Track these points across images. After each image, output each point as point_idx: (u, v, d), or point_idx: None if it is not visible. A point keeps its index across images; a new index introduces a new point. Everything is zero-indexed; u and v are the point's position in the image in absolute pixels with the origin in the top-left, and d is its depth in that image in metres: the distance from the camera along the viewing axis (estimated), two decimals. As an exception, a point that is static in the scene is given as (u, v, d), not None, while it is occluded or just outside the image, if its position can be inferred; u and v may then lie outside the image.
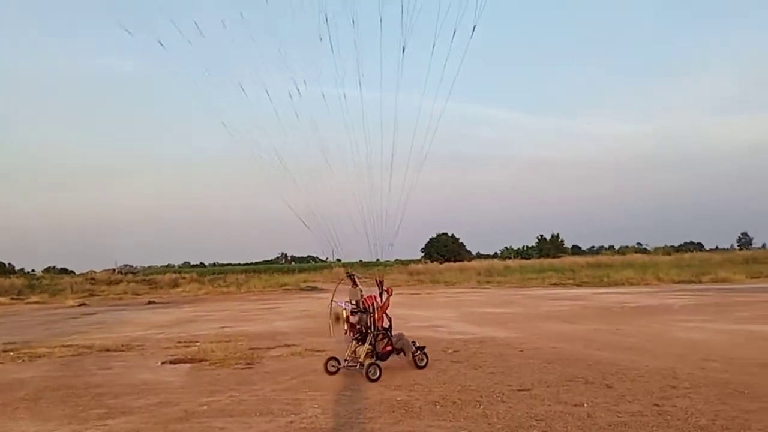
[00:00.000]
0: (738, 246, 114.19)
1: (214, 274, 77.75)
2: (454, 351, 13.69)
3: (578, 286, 42.58)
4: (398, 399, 8.97)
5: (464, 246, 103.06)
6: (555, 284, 45.30)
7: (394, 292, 12.24)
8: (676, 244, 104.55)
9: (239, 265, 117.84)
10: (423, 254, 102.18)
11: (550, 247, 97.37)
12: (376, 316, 11.42)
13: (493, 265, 69.62)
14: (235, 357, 13.44)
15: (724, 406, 8.00)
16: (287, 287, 51.67)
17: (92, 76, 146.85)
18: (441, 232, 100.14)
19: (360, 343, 11.43)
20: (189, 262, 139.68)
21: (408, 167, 11.25)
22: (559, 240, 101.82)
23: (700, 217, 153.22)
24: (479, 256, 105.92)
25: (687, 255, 73.09)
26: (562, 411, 8.00)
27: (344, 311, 11.60)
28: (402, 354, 11.72)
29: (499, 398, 8.88)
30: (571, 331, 16.98)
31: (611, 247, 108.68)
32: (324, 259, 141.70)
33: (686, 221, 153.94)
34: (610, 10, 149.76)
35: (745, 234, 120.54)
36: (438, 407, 8.43)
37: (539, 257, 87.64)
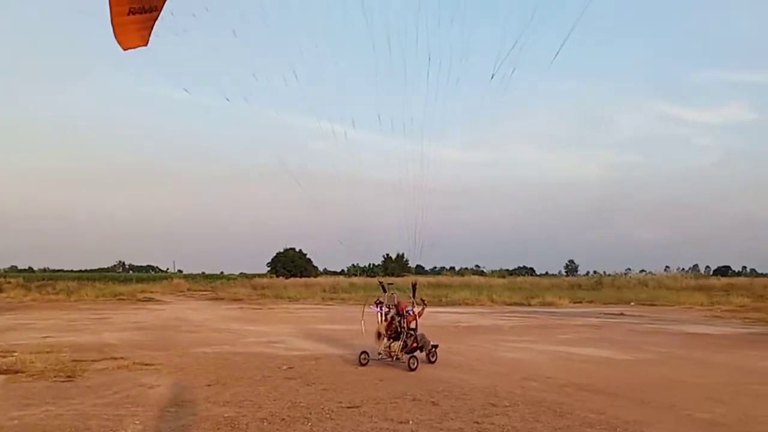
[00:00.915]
0: (565, 272, 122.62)
1: (43, 280, 72.67)
2: (289, 368, 13.59)
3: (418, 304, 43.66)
4: (225, 415, 8.76)
5: (311, 262, 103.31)
6: (397, 302, 46.20)
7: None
8: (511, 268, 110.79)
9: (72, 271, 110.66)
10: (269, 268, 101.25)
11: (395, 266, 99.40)
12: (408, 319, 14.10)
13: (339, 282, 70.12)
14: (56, 369, 12.55)
15: (538, 423, 8.49)
16: (122, 297, 49.03)
17: None
18: (289, 247, 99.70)
19: (394, 340, 13.97)
20: (16, 266, 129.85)
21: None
22: (404, 259, 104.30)
23: (534, 243, 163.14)
24: (326, 272, 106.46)
25: (519, 279, 77.68)
26: (387, 428, 8.16)
27: (379, 314, 14.26)
28: (420, 350, 14.15)
29: (327, 415, 8.91)
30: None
31: (452, 268, 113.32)
32: (164, 269, 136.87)
33: (521, 247, 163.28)
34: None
35: (571, 261, 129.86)
36: (266, 424, 8.32)
37: (384, 275, 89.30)
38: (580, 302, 46.04)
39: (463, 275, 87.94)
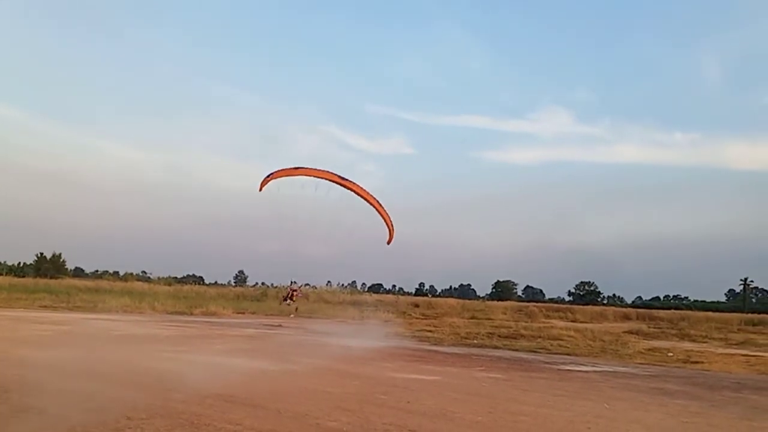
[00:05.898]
0: (234, 282, 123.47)
1: None
2: None
3: (71, 310, 40.29)
4: None
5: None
6: (46, 307, 42.06)
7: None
8: (180, 276, 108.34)
9: None
10: None
11: (49, 266, 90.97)
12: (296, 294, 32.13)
13: (-25, 279, 61.90)
14: None
15: (171, 436, 8.41)
16: None
17: None
18: None
19: (292, 301, 31.76)
20: None
21: None
22: (61, 260, 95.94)
23: (205, 252, 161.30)
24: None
25: (186, 287, 76.22)
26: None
27: (287, 292, 31.66)
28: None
29: None
30: (38, 357, 16.03)
31: (116, 273, 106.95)
32: None
33: (192, 255, 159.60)
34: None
35: (241, 272, 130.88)
36: None
37: (36, 276, 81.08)
38: (243, 313, 46.84)
39: (126, 281, 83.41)
